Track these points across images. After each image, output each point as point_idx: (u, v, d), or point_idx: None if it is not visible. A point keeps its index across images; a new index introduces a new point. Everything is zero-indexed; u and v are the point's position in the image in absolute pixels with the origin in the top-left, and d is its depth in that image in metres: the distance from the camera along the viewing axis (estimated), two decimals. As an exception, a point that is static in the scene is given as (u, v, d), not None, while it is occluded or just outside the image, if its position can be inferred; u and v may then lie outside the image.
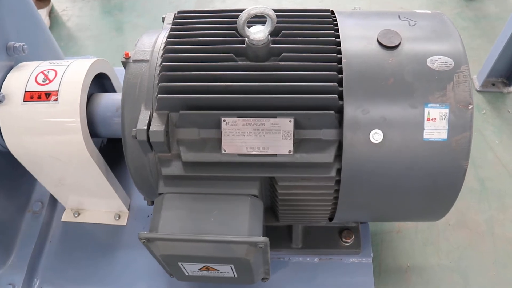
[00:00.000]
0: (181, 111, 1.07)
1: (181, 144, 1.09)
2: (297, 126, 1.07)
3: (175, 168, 1.11)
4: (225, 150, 1.07)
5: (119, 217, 1.56)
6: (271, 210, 1.29)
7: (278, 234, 1.45)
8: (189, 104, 1.08)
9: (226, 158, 1.08)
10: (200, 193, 1.10)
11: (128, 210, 1.58)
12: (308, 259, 1.45)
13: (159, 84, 1.10)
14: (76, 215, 1.58)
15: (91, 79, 1.33)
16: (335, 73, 1.08)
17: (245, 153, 1.07)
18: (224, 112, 1.06)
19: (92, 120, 1.34)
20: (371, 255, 1.44)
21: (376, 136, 1.06)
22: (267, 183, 1.17)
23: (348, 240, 1.43)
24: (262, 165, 1.09)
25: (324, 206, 1.20)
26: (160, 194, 1.12)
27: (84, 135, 1.27)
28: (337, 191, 1.13)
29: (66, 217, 1.59)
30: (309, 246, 1.44)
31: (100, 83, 1.49)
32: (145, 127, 1.07)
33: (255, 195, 1.10)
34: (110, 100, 1.38)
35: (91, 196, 1.52)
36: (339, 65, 1.09)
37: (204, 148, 1.09)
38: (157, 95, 1.09)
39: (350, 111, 1.05)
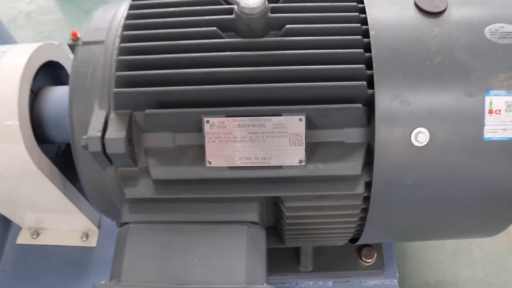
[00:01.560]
0: (148, 110, 0.73)
1: (150, 155, 0.76)
2: (309, 126, 0.74)
3: (143, 189, 0.77)
4: (210, 163, 0.74)
5: (87, 236, 1.23)
6: (273, 230, 0.96)
7: (283, 255, 1.12)
8: (159, 99, 0.74)
9: (212, 174, 0.74)
10: (178, 222, 0.77)
11: (98, 228, 1.24)
12: (320, 283, 1.14)
13: (117, 73, 0.76)
14: (34, 236, 1.24)
15: (36, 69, 0.98)
16: (361, 50, 0.75)
17: (238, 166, 0.74)
18: (207, 110, 0.73)
19: (40, 121, 1.00)
20: (397, 275, 1.13)
21: (420, 136, 0.73)
22: (269, 201, 0.83)
23: (369, 260, 1.11)
24: (262, 181, 0.76)
25: (346, 229, 0.87)
26: (123, 224, 0.79)
27: (27, 142, 0.93)
28: (365, 210, 0.80)
29: (22, 239, 1.25)
30: (321, 268, 1.13)
31: (55, 75, 1.14)
32: (99, 134, 0.73)
33: (254, 222, 0.77)
34: (64, 95, 1.02)
35: (51, 213, 1.19)
36: (366, 40, 0.76)
37: (181, 160, 0.75)
38: (114, 88, 0.75)
39: (384, 102, 0.72)
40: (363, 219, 0.83)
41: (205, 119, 0.72)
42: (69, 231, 1.24)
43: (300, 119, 0.72)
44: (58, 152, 1.18)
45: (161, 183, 0.77)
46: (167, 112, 0.73)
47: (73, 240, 1.23)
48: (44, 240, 1.24)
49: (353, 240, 0.95)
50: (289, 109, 0.72)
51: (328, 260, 1.12)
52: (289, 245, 0.99)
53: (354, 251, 1.13)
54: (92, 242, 1.23)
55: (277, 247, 1.02)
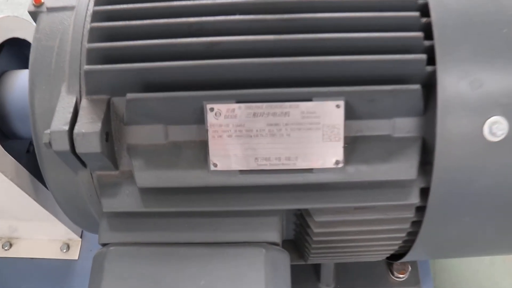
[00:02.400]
0: (131, 94, 0.53)
1: (135, 155, 0.55)
2: (349, 114, 0.53)
3: (126, 200, 0.57)
4: (215, 165, 0.53)
5: (68, 247, 1.03)
6: (291, 243, 0.76)
7: (299, 270, 0.92)
8: (146, 79, 0.54)
9: (218, 180, 0.54)
10: (172, 244, 0.57)
11: (81, 237, 1.04)
12: (343, 302, 0.93)
13: (89, 45, 0.55)
14: (6, 248, 1.04)
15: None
16: (416, 13, 0.54)
17: (253, 169, 0.54)
18: (211, 94, 0.52)
19: (3, 112, 0.79)
20: (433, 292, 0.93)
21: (497, 127, 0.53)
22: (292, 212, 0.63)
23: (402, 275, 0.91)
24: (286, 190, 0.56)
25: (387, 246, 0.67)
26: (102, 245, 0.59)
27: (-17, 138, 0.72)
28: (416, 223, 0.60)
29: (-8, 251, 1.04)
30: (345, 285, 0.93)
31: (22, 55, 0.92)
32: (66, 127, 0.53)
33: (274, 243, 0.56)
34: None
35: (24, 221, 0.98)
36: (421, 1, 0.55)
37: (176, 162, 0.55)
38: (86, 65, 0.55)
39: (449, 83, 0.52)
40: (413, 233, 0.63)
41: (209, 106, 0.52)
42: (47, 241, 1.04)
43: (338, 106, 0.52)
44: (29, 148, 0.97)
45: (149, 193, 0.57)
46: (157, 97, 0.52)
47: (52, 251, 1.03)
48: (18, 252, 1.03)
49: (393, 256, 0.75)
50: (323, 92, 0.51)
51: (354, 276, 0.92)
52: (311, 262, 0.79)
53: (384, 265, 0.93)
54: (74, 254, 1.03)
55: (296, 264, 0.81)
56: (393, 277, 0.92)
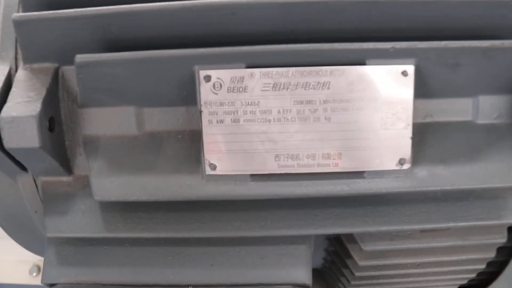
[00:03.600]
0: (84, 56, 0.32)
1: (93, 152, 0.35)
2: (418, 89, 0.33)
3: (82, 220, 0.36)
4: (213, 167, 0.33)
5: (39, 270, 0.82)
6: (316, 272, 0.55)
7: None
8: (110, 34, 0.33)
9: (217, 190, 0.34)
10: (151, 286, 0.36)
11: (54, 258, 0.82)
12: None
13: (26, -12, 0.35)
14: (-34, 271, 0.83)
15: None
16: None
17: (273, 173, 0.33)
18: (206, 52, 0.31)
19: None
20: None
21: None
22: (323, 236, 0.42)
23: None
24: (321, 205, 0.35)
25: (455, 280, 0.46)
26: (49, 286, 0.38)
27: None
28: (505, 249, 0.40)
29: None
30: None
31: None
32: (-12, 110, 0.33)
33: (303, 286, 0.35)
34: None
35: (-15, 239, 0.77)
36: None
37: (154, 163, 0.34)
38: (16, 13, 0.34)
39: None
40: (496, 264, 0.42)
41: (203, 73, 0.32)
42: (15, 262, 0.83)
43: (405, 73, 0.32)
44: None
45: (115, 209, 0.36)
46: (124, 59, 0.32)
47: (19, 275, 0.83)
48: (-21, 276, 0.83)
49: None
50: (383, 50, 0.31)
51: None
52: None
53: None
54: (46, 279, 0.82)
55: None
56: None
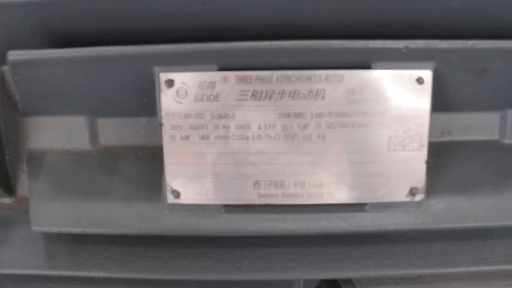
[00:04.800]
0: (20, 53, 0.24)
1: (35, 170, 0.27)
2: (436, 100, 0.25)
3: (21, 252, 0.28)
4: (176, 195, 0.25)
5: None
6: None
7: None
8: (55, 26, 0.25)
9: (181, 224, 0.26)
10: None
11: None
12: None
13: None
14: None
15: None
16: None
17: (251, 204, 0.25)
18: (168, 50, 0.24)
19: None
20: None
21: None
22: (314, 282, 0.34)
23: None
24: (312, 243, 0.27)
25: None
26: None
27: None
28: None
29: None
30: None
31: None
32: None
33: None
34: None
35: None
36: None
37: (108, 187, 0.27)
38: None
39: None
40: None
41: (164, 76, 0.24)
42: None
43: (420, 80, 0.24)
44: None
45: (60, 241, 0.29)
46: (69, 58, 0.24)
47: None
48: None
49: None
50: (394, 50, 0.23)
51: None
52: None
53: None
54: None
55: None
56: None
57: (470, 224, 0.26)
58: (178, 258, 0.27)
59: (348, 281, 0.29)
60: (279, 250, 0.27)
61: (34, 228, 0.27)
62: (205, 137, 0.24)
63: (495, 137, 0.28)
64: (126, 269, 0.27)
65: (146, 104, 0.26)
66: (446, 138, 0.28)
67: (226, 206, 0.25)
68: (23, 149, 0.29)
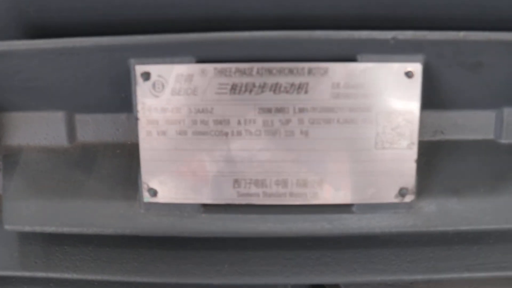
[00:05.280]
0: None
1: (10, 167, 0.26)
2: (426, 96, 0.23)
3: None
4: (153, 193, 0.23)
5: None
6: None
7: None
8: (28, 15, 0.24)
9: (158, 224, 0.24)
10: None
11: None
12: None
13: None
14: None
15: None
16: None
17: (231, 203, 0.23)
18: (144, 41, 0.22)
19: None
20: None
21: None
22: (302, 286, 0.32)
23: None
24: (295, 246, 0.25)
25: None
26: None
27: None
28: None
29: None
30: None
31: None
32: None
33: None
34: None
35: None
36: None
37: (83, 185, 0.25)
38: None
39: None
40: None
41: (139, 68, 0.22)
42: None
43: (410, 74, 0.22)
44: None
45: (36, 240, 0.27)
46: (42, 49, 0.23)
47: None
48: None
49: None
50: (380, 41, 0.22)
51: None
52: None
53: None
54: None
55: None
56: None
57: (464, 227, 0.24)
58: (155, 260, 0.26)
59: (336, 287, 0.27)
60: (262, 253, 0.26)
61: (6, 226, 0.25)
62: (182, 133, 0.23)
63: (491, 136, 0.27)
64: (101, 271, 0.26)
65: (124, 100, 0.25)
66: (439, 137, 0.26)
67: (204, 205, 0.24)
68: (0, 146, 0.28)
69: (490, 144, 0.27)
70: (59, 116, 0.27)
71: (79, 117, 0.27)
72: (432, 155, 0.26)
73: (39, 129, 0.27)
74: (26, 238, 0.27)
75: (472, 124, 0.26)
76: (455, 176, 0.25)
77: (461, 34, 0.22)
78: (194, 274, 0.25)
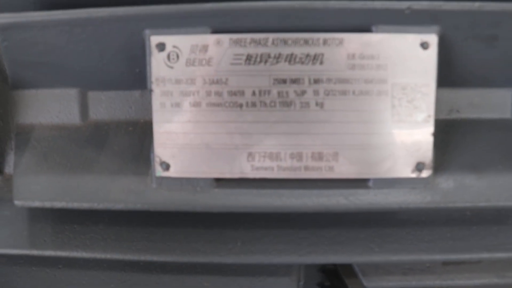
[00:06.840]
0: (9, 16, 0.23)
1: (23, 145, 0.25)
2: (445, 71, 0.22)
3: (6, 231, 0.26)
4: (165, 167, 0.23)
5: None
6: None
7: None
8: None
9: (170, 198, 0.23)
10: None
11: None
12: None
13: None
14: None
15: None
16: None
17: (244, 178, 0.22)
18: (158, 11, 0.22)
19: None
20: None
21: None
22: (315, 267, 0.31)
23: None
24: (310, 224, 0.24)
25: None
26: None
27: None
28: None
29: None
30: None
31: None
32: None
33: None
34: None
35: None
36: None
37: (95, 162, 0.24)
38: None
39: None
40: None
41: (154, 39, 0.22)
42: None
43: (425, 44, 0.22)
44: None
45: (46, 218, 0.26)
46: (57, 20, 0.23)
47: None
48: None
49: None
50: (395, 11, 0.21)
51: None
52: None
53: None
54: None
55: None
56: None
57: (483, 204, 0.23)
58: (166, 238, 0.25)
59: (348, 269, 0.26)
60: (276, 231, 0.25)
61: (16, 202, 0.25)
62: (196, 104, 0.22)
63: (507, 115, 0.26)
64: (111, 250, 0.25)
65: (138, 76, 0.25)
66: (454, 115, 0.26)
67: (217, 180, 0.23)
68: (12, 124, 0.27)
69: (507, 123, 0.26)
70: (72, 94, 0.26)
71: (92, 95, 0.26)
72: (448, 133, 0.25)
73: (51, 107, 0.27)
74: (36, 216, 0.26)
75: (488, 103, 0.26)
76: (472, 153, 0.24)
77: (477, 5, 0.21)
78: (205, 252, 0.24)
